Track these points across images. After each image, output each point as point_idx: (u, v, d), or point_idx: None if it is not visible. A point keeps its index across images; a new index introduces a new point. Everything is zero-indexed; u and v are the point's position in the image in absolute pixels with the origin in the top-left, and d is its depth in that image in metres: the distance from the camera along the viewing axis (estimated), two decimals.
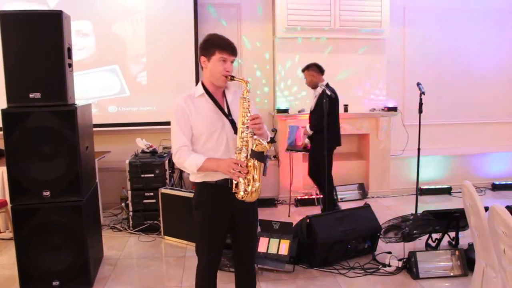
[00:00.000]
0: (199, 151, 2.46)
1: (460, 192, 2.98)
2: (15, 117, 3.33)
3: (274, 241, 3.99)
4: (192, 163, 2.38)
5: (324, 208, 5.27)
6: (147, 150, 5.34)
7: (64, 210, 3.49)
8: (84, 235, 3.56)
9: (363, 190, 6.50)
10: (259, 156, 2.30)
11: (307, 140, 5.52)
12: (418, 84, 5.02)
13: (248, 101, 2.40)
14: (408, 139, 6.37)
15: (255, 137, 2.32)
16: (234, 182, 2.35)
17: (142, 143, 5.38)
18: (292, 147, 5.66)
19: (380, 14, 6.37)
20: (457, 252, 3.89)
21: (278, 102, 6.38)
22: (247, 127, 2.35)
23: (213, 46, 2.44)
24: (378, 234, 4.29)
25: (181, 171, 5.70)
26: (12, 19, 3.25)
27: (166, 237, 4.82)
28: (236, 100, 2.50)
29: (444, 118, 7.01)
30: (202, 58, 2.49)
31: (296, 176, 6.10)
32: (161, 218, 4.88)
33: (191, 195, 4.58)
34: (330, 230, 4.02)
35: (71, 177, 3.48)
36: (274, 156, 6.44)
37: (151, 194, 5.04)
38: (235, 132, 2.42)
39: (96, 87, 5.87)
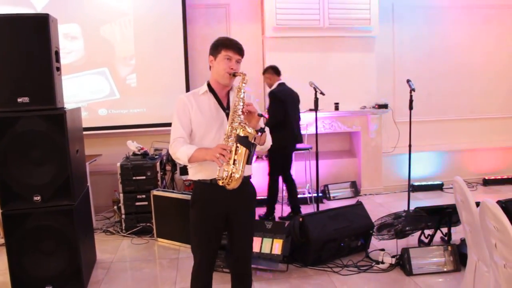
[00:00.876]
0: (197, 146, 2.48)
1: (451, 188, 3.00)
2: (3, 122, 3.29)
3: (267, 241, 3.99)
4: (183, 152, 2.41)
5: (268, 211, 5.33)
6: (138, 153, 5.32)
7: (56, 215, 3.46)
8: (76, 239, 3.53)
9: (355, 188, 6.52)
10: (244, 141, 2.28)
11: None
12: (408, 81, 5.05)
13: (244, 92, 2.41)
14: (399, 136, 6.41)
15: (241, 123, 2.32)
16: (218, 167, 2.33)
17: (133, 146, 5.35)
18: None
19: (369, 11, 6.38)
20: (449, 248, 3.91)
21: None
22: (239, 115, 2.35)
23: (220, 45, 2.49)
24: (371, 231, 4.31)
25: (173, 173, 5.68)
26: None
27: (159, 239, 4.81)
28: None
29: (434, 114, 7.04)
30: (210, 58, 2.54)
31: None
32: (153, 220, 4.86)
33: (183, 196, 4.59)
34: (323, 228, 4.02)
35: (62, 181, 3.45)
36: (266, 156, 6.43)
37: (143, 196, 5.02)
38: None
39: (85, 90, 5.83)
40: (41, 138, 3.37)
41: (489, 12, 7.03)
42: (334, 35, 6.40)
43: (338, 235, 4.08)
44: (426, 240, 4.35)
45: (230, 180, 2.31)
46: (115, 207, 5.37)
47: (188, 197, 4.36)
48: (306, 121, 6.02)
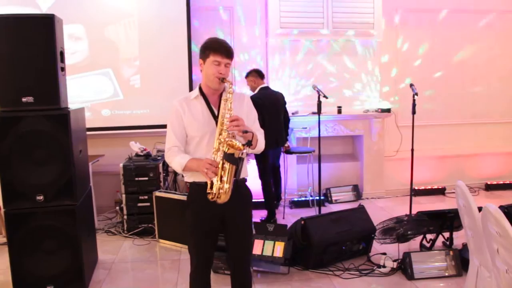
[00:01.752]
0: (193, 152, 2.50)
1: (454, 192, 2.98)
2: (8, 121, 3.31)
3: (269, 243, 3.99)
4: (177, 162, 2.44)
5: (269, 214, 5.30)
6: (141, 154, 5.32)
7: (58, 214, 3.47)
8: (78, 239, 3.54)
9: (357, 191, 6.51)
10: (230, 158, 2.29)
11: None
12: (411, 85, 5.05)
13: (230, 102, 2.40)
14: (401, 140, 6.40)
15: (227, 139, 2.32)
16: (209, 182, 2.36)
17: (136, 147, 5.36)
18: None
19: (373, 15, 6.39)
20: (451, 252, 3.91)
21: None
22: (227, 129, 2.35)
23: (208, 49, 2.46)
24: (373, 235, 4.30)
25: (175, 174, 5.69)
26: (4, 23, 3.23)
27: (160, 240, 4.81)
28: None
29: (437, 119, 7.03)
30: (200, 61, 2.53)
31: (290, 177, 6.10)
32: (155, 221, 4.87)
33: (185, 198, 4.57)
34: (325, 231, 4.02)
35: (65, 181, 3.46)
36: None
37: (146, 197, 5.03)
38: None
39: (89, 91, 5.84)
40: (44, 138, 3.38)
41: (492, 17, 7.03)
42: (337, 38, 6.41)
43: (340, 238, 4.08)
44: (428, 245, 4.35)
45: (219, 195, 2.34)
46: (117, 207, 5.38)
47: None
48: (309, 124, 6.04)
